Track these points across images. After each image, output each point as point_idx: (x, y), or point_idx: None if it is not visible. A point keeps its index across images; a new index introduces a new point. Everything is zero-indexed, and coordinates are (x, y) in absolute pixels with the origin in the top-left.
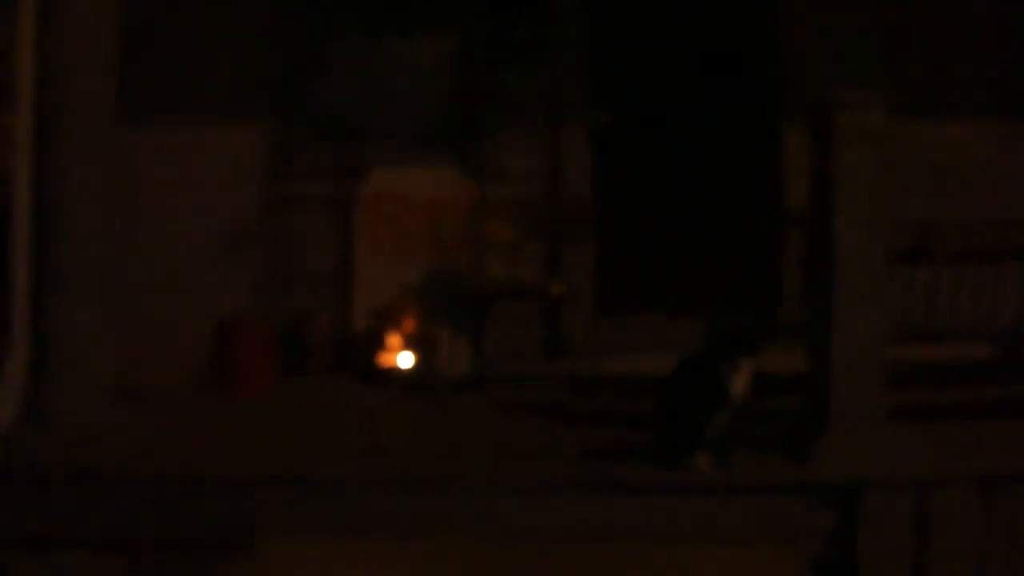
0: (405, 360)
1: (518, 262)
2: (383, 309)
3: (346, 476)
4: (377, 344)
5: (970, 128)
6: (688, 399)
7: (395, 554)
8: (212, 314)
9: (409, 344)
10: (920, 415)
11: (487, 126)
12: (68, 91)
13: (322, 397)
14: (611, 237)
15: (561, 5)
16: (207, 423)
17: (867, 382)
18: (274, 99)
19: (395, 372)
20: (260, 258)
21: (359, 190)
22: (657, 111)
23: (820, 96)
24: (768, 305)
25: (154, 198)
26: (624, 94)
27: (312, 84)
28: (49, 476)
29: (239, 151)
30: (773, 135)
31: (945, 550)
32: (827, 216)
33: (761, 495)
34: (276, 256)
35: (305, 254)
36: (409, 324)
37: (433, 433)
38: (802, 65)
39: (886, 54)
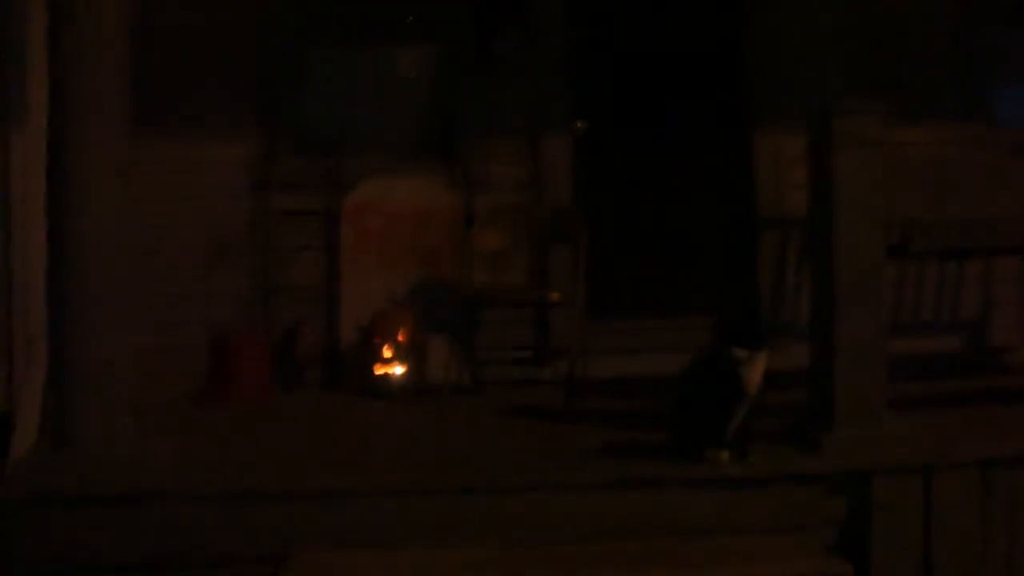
0: (397, 369)
1: (505, 268)
2: (373, 319)
3: (378, 486)
4: (368, 354)
5: (941, 130)
6: (706, 393)
7: (429, 561)
8: (199, 326)
9: (400, 353)
10: (915, 404)
11: (470, 135)
12: (88, 101)
13: (319, 409)
14: (597, 241)
15: (540, 16)
16: (217, 437)
17: (870, 374)
18: (257, 111)
19: (387, 381)
20: (246, 271)
21: (344, 202)
22: (636, 118)
23: (819, 103)
24: (747, 305)
25: (138, 211)
26: (603, 101)
27: (295, 96)
28: (77, 498)
29: (223, 163)
30: (745, 141)
31: (950, 532)
32: (827, 216)
33: (776, 486)
34: (262, 269)
35: (291, 266)
36: (399, 333)
37: (441, 441)
38: (772, 73)
39: (856, 60)
